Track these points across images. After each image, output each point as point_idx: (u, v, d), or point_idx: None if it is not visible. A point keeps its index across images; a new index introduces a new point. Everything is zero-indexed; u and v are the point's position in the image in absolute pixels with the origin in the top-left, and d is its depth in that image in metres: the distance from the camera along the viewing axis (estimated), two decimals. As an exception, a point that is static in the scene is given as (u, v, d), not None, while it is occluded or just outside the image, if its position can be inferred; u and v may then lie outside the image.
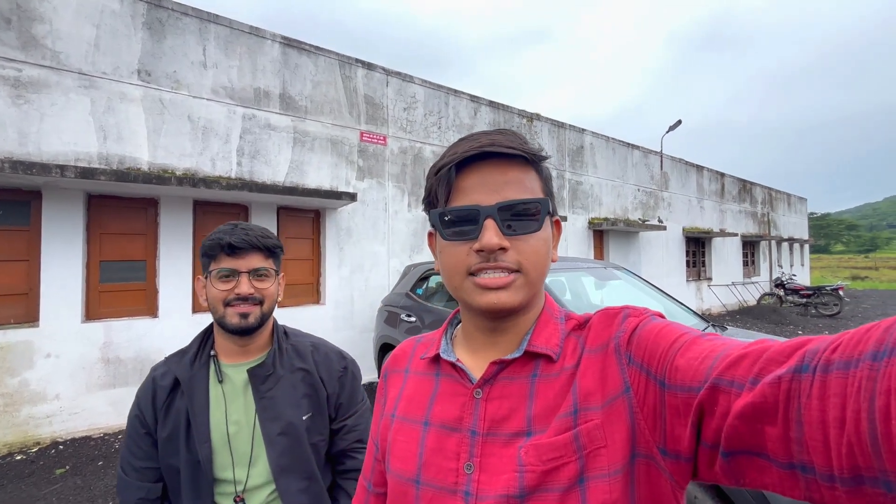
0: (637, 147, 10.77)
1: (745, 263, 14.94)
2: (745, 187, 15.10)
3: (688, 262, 12.24)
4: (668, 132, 11.26)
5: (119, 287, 4.44)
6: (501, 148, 0.51)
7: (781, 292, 13.03)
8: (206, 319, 4.77)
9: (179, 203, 4.72)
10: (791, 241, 17.77)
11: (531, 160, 0.54)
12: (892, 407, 0.28)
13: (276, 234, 5.26)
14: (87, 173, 3.77)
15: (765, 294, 13.68)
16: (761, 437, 0.35)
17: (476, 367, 0.58)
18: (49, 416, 3.96)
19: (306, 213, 5.66)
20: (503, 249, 0.51)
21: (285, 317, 5.29)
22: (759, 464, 0.36)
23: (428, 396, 0.59)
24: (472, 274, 0.53)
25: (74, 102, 4.17)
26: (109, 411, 4.22)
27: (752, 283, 14.62)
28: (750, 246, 15.36)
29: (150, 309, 4.57)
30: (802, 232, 19.44)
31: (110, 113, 4.33)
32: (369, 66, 6.20)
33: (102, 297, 4.35)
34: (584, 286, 3.83)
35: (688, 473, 0.44)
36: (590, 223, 9.31)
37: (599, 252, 9.73)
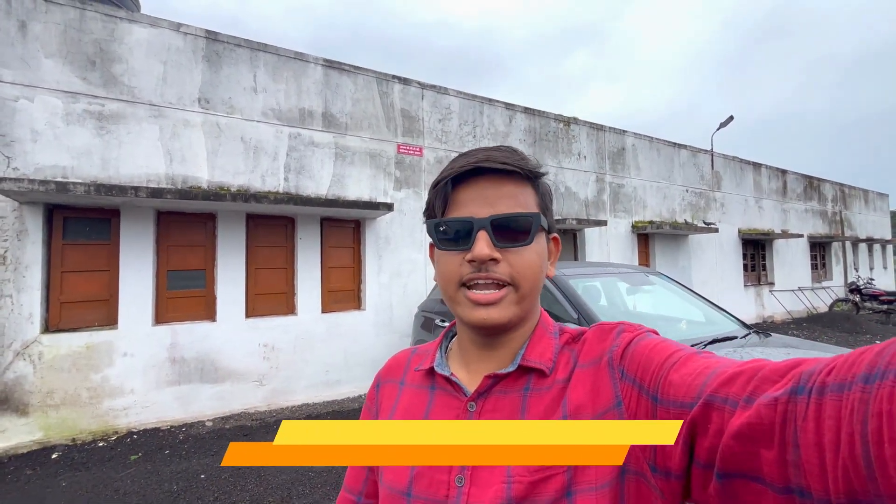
0: (684, 146, 10.31)
1: (814, 267, 13.73)
2: (812, 184, 13.92)
3: (745, 265, 11.47)
4: (718, 129, 10.69)
5: (183, 293, 4.93)
6: (495, 164, 0.53)
7: (857, 298, 11.84)
8: (261, 324, 5.17)
9: (234, 217, 5.16)
10: (870, 241, 16.10)
11: (528, 177, 0.56)
12: (884, 430, 0.28)
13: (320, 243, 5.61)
14: (156, 193, 4.26)
15: (838, 300, 12.50)
16: (757, 460, 0.35)
17: (470, 381, 0.58)
18: (125, 409, 4.47)
19: (347, 224, 5.97)
20: (494, 261, 0.53)
21: (329, 322, 5.62)
22: (754, 488, 0.36)
23: (423, 409, 0.60)
24: (465, 285, 0.54)
25: (146, 130, 4.71)
26: (175, 406, 4.68)
27: (823, 288, 13.41)
28: (819, 248, 14.12)
29: (209, 313, 5.02)
30: (884, 231, 17.55)
31: (175, 138, 4.85)
32: (405, 81, 6.46)
33: (169, 303, 4.84)
34: (619, 292, 3.77)
35: (678, 492, 0.43)
36: (633, 227, 9.01)
37: (645, 257, 9.38)
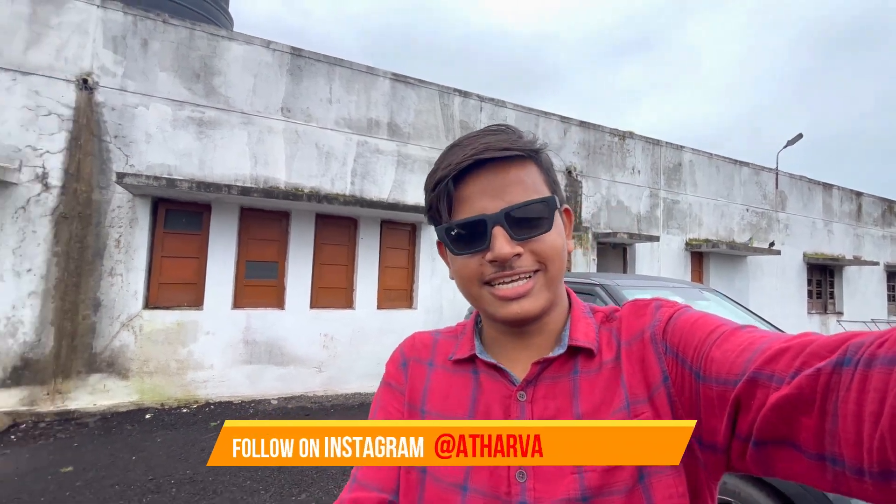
0: (746, 164, 9.94)
1: (891, 298, 12.64)
2: (892, 209, 12.87)
3: (810, 292, 10.80)
4: (785, 147, 10.22)
5: (258, 282, 5.45)
6: (496, 152, 0.49)
7: (942, 335, 10.80)
8: (323, 315, 5.61)
9: (305, 216, 5.66)
10: (960, 274, 14.57)
11: (529, 155, 0.52)
12: None
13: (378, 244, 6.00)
14: (245, 191, 4.80)
15: (918, 336, 11.43)
16: (795, 427, 0.35)
17: (512, 367, 0.54)
18: (205, 381, 5.01)
19: (405, 227, 6.34)
20: (517, 256, 0.50)
21: (383, 318, 5.98)
22: (789, 454, 0.36)
23: (468, 395, 0.55)
24: (487, 283, 0.51)
25: (237, 136, 5.30)
26: (245, 383, 5.18)
27: (901, 321, 12.30)
28: (898, 278, 12.99)
29: (279, 302, 5.52)
30: (978, 264, 15.80)
31: (260, 143, 5.42)
32: (465, 94, 6.78)
33: (246, 290, 5.38)
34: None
35: (722, 465, 0.43)
36: (687, 244, 8.80)
37: (698, 275, 9.11)
